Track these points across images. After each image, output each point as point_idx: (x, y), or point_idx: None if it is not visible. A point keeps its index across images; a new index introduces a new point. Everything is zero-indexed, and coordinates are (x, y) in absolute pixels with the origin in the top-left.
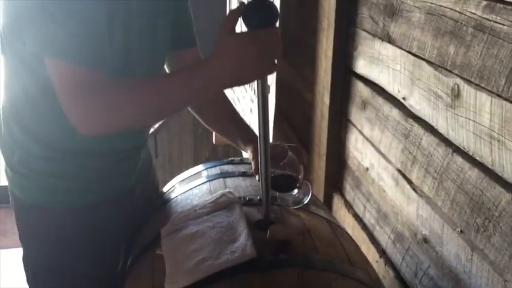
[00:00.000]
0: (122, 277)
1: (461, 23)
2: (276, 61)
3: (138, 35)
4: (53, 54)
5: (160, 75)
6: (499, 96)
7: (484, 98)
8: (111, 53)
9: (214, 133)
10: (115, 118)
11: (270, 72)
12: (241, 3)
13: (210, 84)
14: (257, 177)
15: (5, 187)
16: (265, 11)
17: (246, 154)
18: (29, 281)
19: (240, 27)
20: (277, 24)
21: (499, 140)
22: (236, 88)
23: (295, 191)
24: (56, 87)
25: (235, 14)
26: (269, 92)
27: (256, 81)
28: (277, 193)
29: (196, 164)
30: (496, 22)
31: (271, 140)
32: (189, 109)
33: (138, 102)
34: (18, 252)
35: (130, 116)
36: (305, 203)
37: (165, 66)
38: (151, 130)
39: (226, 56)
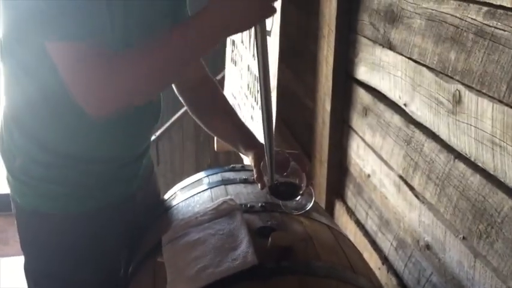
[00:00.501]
0: (124, 284)
1: (462, 29)
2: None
3: (137, 36)
4: (52, 36)
5: (160, 37)
6: (501, 102)
7: (486, 104)
8: (111, 28)
9: (215, 140)
10: (122, 87)
11: (269, 15)
12: None
13: (210, 31)
14: (259, 185)
15: (6, 195)
16: None
17: (247, 160)
18: None
19: None
20: None
21: (501, 146)
22: (237, 95)
23: (298, 197)
24: (60, 70)
25: None
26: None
27: (254, 28)
28: (280, 201)
29: (198, 171)
30: (496, 28)
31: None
32: (191, 114)
33: (142, 64)
34: (20, 260)
35: (136, 81)
36: (307, 209)
37: None
38: (153, 137)
39: (223, 2)
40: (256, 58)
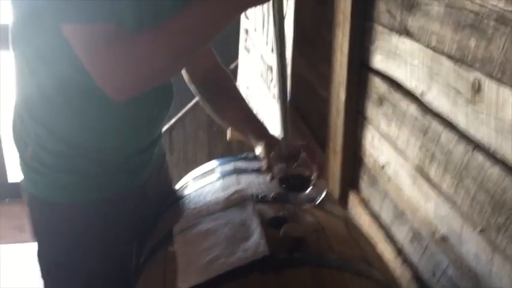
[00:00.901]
0: (135, 274)
1: (483, 16)
2: None
3: (149, 21)
4: (71, 19)
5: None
6: None
7: (507, 94)
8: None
9: (228, 130)
10: (143, 65)
11: None
12: None
13: (224, 8)
14: (268, 176)
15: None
16: None
17: (257, 151)
18: (43, 277)
19: None
20: None
21: None
22: (250, 84)
23: (309, 189)
24: (80, 53)
25: None
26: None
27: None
28: (289, 193)
29: (211, 160)
30: None
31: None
32: (202, 104)
33: (162, 40)
34: (36, 247)
35: (157, 57)
36: (318, 202)
37: None
38: (166, 126)
39: None
40: (272, 44)
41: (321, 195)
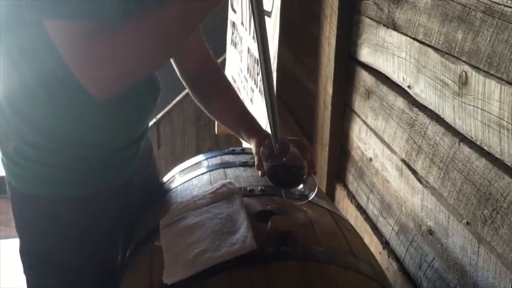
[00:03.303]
0: (121, 269)
1: (470, 8)
2: None
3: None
4: (51, 15)
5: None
6: (509, 83)
7: (493, 86)
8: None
9: (216, 123)
10: (125, 61)
11: None
12: None
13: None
14: (259, 172)
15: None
16: None
17: (250, 146)
18: (25, 272)
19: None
20: None
21: (508, 129)
22: (237, 78)
23: (301, 186)
24: (61, 50)
25: None
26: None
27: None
28: (282, 189)
29: (199, 154)
30: (506, 6)
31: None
32: (193, 98)
33: (142, 33)
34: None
35: (138, 52)
36: (310, 198)
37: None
38: (154, 121)
39: None
40: (255, 38)
41: (313, 191)
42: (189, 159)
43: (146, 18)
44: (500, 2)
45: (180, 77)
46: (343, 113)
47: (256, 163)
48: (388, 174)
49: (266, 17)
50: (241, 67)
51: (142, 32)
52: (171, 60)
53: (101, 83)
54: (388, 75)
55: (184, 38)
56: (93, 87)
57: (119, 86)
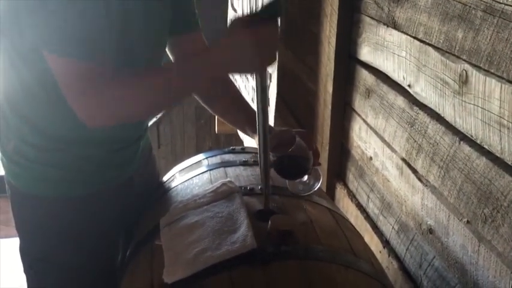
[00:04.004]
0: (121, 268)
1: (470, 7)
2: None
3: (137, 19)
4: (53, 50)
5: (160, 67)
6: (509, 82)
7: (494, 84)
8: (109, 37)
9: (216, 123)
10: (116, 111)
11: (268, 65)
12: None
13: (208, 70)
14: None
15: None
16: (270, 7)
17: (249, 144)
18: (26, 271)
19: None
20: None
21: (508, 128)
22: (238, 77)
23: (305, 177)
24: (58, 81)
25: (249, 16)
26: (269, 85)
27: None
28: (287, 180)
29: (199, 153)
30: (506, 5)
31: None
32: (197, 98)
33: (137, 93)
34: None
35: (129, 107)
36: (315, 189)
37: (168, 52)
38: (153, 120)
39: (227, 45)
40: (255, 101)
41: (318, 182)
42: (189, 158)
43: (146, 78)
44: (501, 1)
45: None
46: (343, 112)
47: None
48: (388, 173)
49: None
50: None
51: (139, 90)
52: (171, 57)
53: (89, 118)
54: (389, 74)
55: (183, 99)
56: (81, 116)
57: (106, 125)
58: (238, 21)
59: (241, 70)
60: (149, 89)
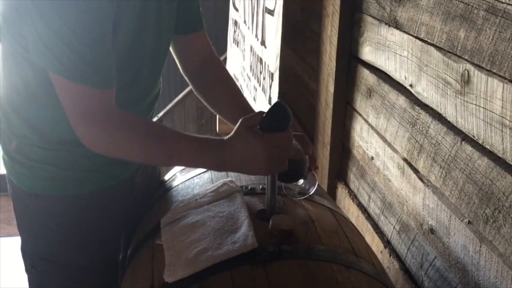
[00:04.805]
0: (122, 267)
1: (472, 6)
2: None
3: (144, 22)
4: (57, 71)
5: (176, 132)
6: None
7: (496, 84)
8: (115, 48)
9: (217, 122)
10: (116, 150)
11: (276, 172)
12: (261, 112)
13: (215, 165)
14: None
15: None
16: (282, 119)
17: None
18: (27, 270)
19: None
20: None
21: (510, 128)
22: (239, 76)
23: (301, 181)
24: (63, 102)
25: (259, 115)
26: (270, 84)
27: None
28: (282, 183)
29: None
30: (509, 4)
31: None
32: (196, 94)
33: (142, 148)
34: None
35: (131, 154)
36: (311, 193)
37: (172, 51)
38: (155, 119)
39: (239, 149)
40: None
41: (313, 187)
42: None
43: (155, 137)
44: (503, 1)
45: (182, 72)
46: (344, 112)
47: None
48: (389, 173)
49: (269, 15)
50: (244, 65)
51: (144, 144)
52: (174, 55)
53: (91, 146)
54: (390, 74)
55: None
56: (84, 142)
57: (103, 153)
58: (248, 125)
59: (249, 173)
60: (157, 148)
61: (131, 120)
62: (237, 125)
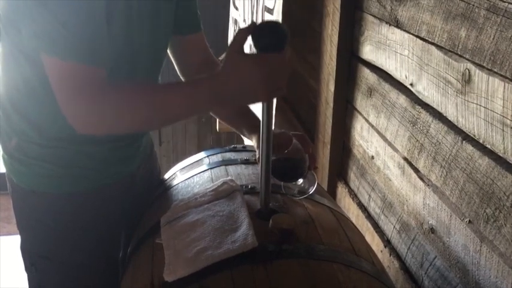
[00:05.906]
0: (122, 265)
1: (473, 5)
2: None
3: (139, 19)
4: (51, 52)
5: (164, 84)
6: None
7: (497, 83)
8: (110, 38)
9: (218, 120)
10: (112, 122)
11: (275, 97)
12: (252, 23)
13: (212, 100)
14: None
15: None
16: (275, 36)
17: (250, 142)
18: (27, 269)
19: (250, 48)
20: (286, 49)
21: (511, 127)
22: None
23: (301, 180)
24: (53, 84)
25: (245, 33)
26: (273, 113)
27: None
28: (282, 183)
29: (200, 151)
30: (510, 3)
31: (273, 127)
32: None
33: (138, 109)
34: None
35: (128, 121)
36: (310, 193)
37: (169, 53)
38: None
39: (232, 75)
40: (260, 129)
41: (313, 187)
42: (190, 156)
43: (145, 94)
44: (504, 0)
45: (180, 74)
46: (345, 111)
47: (257, 156)
48: (390, 173)
49: (268, 14)
50: None
51: (138, 105)
52: (171, 57)
53: (84, 128)
54: (391, 73)
55: (177, 121)
56: (76, 126)
57: (102, 134)
58: (236, 48)
59: (244, 102)
60: (147, 105)
61: (117, 91)
62: (226, 52)
